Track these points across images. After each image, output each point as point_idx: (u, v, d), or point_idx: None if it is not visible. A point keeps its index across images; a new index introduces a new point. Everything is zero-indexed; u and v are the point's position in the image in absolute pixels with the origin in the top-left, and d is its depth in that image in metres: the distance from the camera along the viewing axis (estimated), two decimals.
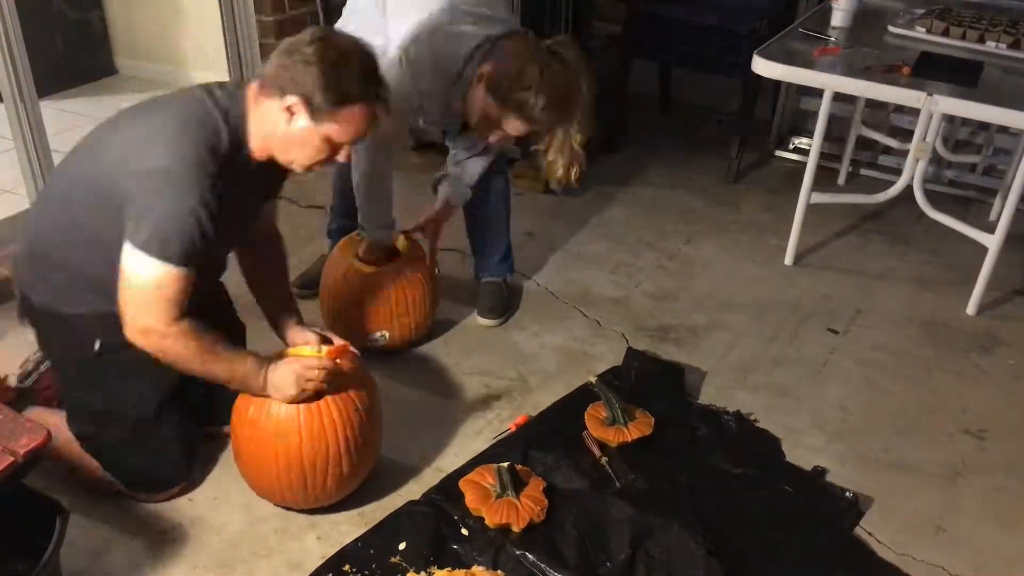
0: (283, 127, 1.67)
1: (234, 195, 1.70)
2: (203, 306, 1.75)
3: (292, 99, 1.63)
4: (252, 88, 1.70)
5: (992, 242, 2.66)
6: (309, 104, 1.63)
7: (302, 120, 1.65)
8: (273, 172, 1.81)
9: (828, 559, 1.87)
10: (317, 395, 1.80)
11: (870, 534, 1.95)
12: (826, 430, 2.26)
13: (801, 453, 2.17)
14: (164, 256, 1.60)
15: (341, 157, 1.74)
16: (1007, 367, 2.54)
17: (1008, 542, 1.95)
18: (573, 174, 2.19)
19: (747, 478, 2.07)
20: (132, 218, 1.61)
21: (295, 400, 1.78)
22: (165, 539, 1.86)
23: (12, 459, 1.44)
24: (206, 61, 3.97)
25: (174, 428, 1.92)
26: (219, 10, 3.27)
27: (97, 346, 1.82)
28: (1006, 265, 2.82)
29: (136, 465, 1.91)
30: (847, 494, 2.02)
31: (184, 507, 1.93)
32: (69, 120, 3.75)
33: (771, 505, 2.00)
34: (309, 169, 1.76)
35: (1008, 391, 2.44)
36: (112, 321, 1.70)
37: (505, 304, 2.66)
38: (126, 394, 1.86)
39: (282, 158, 1.73)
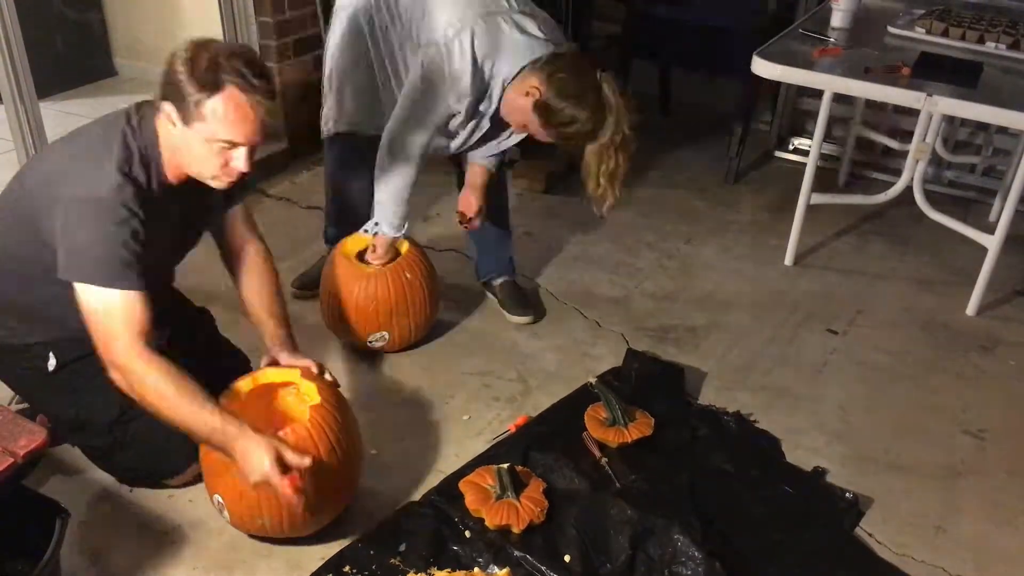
0: (172, 140, 1.64)
1: (158, 217, 1.67)
2: (192, 349, 1.78)
3: (167, 106, 1.59)
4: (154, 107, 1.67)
5: (992, 243, 2.66)
6: (180, 107, 1.57)
7: (179, 126, 1.60)
8: (204, 190, 1.74)
9: (828, 559, 1.87)
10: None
11: (870, 534, 1.95)
12: (826, 430, 2.26)
13: (801, 453, 2.17)
14: (102, 282, 1.59)
15: (239, 163, 1.63)
16: (1007, 368, 2.54)
17: (1008, 542, 1.95)
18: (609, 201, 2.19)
19: (747, 479, 2.07)
20: (61, 251, 1.61)
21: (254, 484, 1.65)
22: (165, 540, 1.86)
23: (12, 460, 1.45)
24: None
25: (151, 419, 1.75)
26: (219, 11, 3.27)
27: (52, 365, 1.82)
28: (1006, 266, 2.82)
29: (131, 463, 1.90)
30: (847, 494, 2.02)
31: (184, 508, 1.93)
32: (69, 121, 3.74)
33: (771, 505, 2.00)
34: (221, 182, 1.69)
35: (1008, 391, 2.44)
36: (63, 342, 1.74)
37: (530, 299, 2.68)
38: (91, 401, 1.83)
39: (191, 172, 1.69)
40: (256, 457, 1.59)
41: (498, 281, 2.66)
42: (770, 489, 2.04)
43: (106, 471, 1.92)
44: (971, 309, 2.76)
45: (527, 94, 2.11)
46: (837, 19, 2.91)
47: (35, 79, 2.62)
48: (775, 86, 3.72)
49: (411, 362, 2.45)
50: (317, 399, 1.81)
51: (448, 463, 2.08)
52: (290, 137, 3.48)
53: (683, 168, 3.68)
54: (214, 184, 1.70)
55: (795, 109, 3.82)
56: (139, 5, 4.12)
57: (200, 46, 1.57)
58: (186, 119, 1.58)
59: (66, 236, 1.60)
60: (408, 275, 2.37)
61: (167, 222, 1.74)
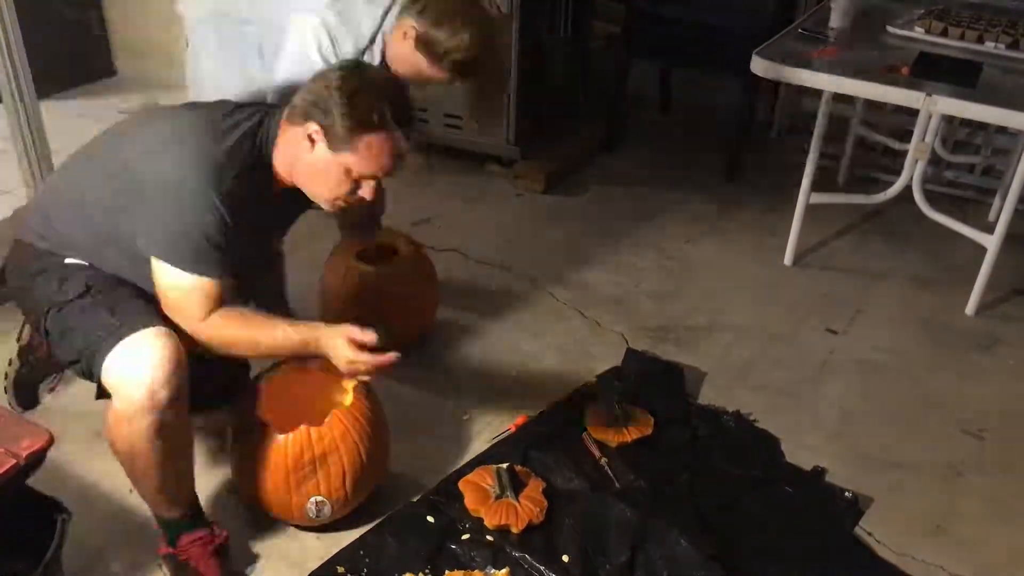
0: (304, 156, 1.67)
1: (254, 212, 1.69)
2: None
3: (313, 126, 1.63)
4: (285, 114, 1.70)
5: (991, 242, 2.66)
6: (327, 132, 1.62)
7: (321, 148, 1.64)
8: (300, 201, 1.80)
9: (828, 559, 1.88)
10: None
11: (870, 534, 1.95)
12: (826, 430, 2.26)
13: (801, 453, 2.17)
14: (181, 264, 1.60)
15: (365, 193, 1.70)
16: (1007, 367, 2.54)
17: (1008, 542, 1.96)
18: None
19: (747, 478, 2.07)
20: (147, 226, 1.61)
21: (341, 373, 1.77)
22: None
23: (14, 461, 1.44)
24: None
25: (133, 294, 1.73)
26: None
27: (82, 287, 1.69)
28: (1005, 265, 2.82)
29: (93, 320, 1.68)
30: (847, 494, 2.02)
31: None
32: (69, 120, 3.75)
33: (771, 505, 2.00)
34: (334, 205, 1.74)
35: (1008, 391, 2.45)
36: (99, 275, 1.70)
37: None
38: (99, 319, 1.67)
39: (307, 189, 1.73)
40: (339, 349, 1.70)
41: None
42: (770, 489, 2.04)
43: (85, 371, 1.71)
44: (971, 308, 2.76)
45: (404, 36, 2.01)
46: (836, 19, 2.91)
47: (35, 79, 2.61)
48: (775, 86, 3.72)
49: (411, 362, 2.44)
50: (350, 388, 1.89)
51: (447, 462, 2.09)
52: None
53: (683, 167, 3.68)
54: (324, 206, 1.76)
55: (795, 108, 3.82)
56: (139, 5, 4.11)
57: (362, 85, 1.63)
58: (332, 145, 1.63)
59: (155, 214, 1.61)
60: (408, 274, 2.38)
61: (264, 216, 1.78)
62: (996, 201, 3.28)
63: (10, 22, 2.50)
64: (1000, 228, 2.63)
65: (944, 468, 2.16)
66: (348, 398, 1.88)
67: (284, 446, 1.76)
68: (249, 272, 1.85)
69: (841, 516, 1.98)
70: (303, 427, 1.77)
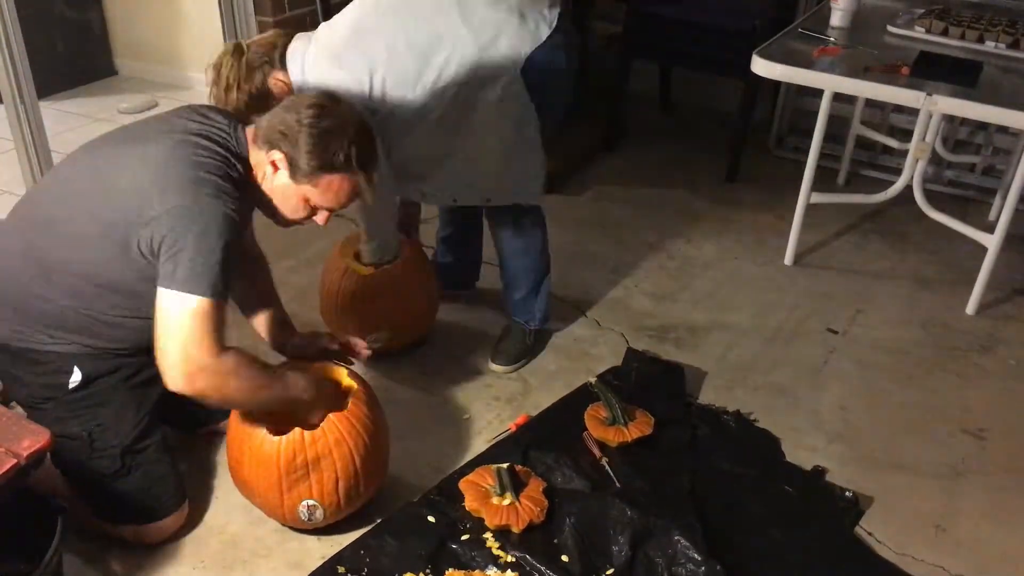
0: (268, 178, 1.72)
1: (244, 220, 1.74)
2: None
3: (277, 155, 1.68)
4: (250, 132, 1.74)
5: (992, 242, 2.66)
6: (292, 163, 1.67)
7: (283, 175, 1.70)
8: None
9: (828, 559, 1.87)
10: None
11: (870, 534, 1.95)
12: (826, 430, 2.26)
13: (801, 453, 2.17)
14: (201, 291, 1.56)
15: (319, 219, 1.78)
16: (1007, 367, 2.54)
17: (1008, 542, 1.96)
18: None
19: (747, 478, 2.07)
20: (166, 261, 1.58)
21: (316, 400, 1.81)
22: (165, 539, 1.86)
23: (15, 461, 1.44)
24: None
25: (159, 450, 1.85)
26: (219, 10, 3.28)
27: (76, 380, 1.76)
28: (1006, 265, 2.82)
29: (128, 493, 1.80)
30: (847, 494, 2.02)
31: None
32: (69, 121, 3.76)
33: (771, 505, 2.00)
34: (287, 224, 1.81)
35: (1008, 391, 2.45)
36: (88, 357, 1.73)
37: (520, 350, 2.46)
38: (108, 422, 1.79)
39: (264, 199, 1.76)
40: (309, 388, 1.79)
41: (511, 321, 2.53)
42: (770, 488, 2.04)
43: (91, 503, 1.82)
44: (971, 308, 2.76)
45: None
46: (837, 18, 2.90)
47: (35, 79, 2.62)
48: (775, 85, 3.72)
49: (411, 362, 2.45)
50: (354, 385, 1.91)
51: (447, 462, 2.09)
52: None
53: (683, 167, 3.68)
54: (277, 222, 1.82)
55: (795, 108, 3.82)
56: (139, 4, 4.12)
57: (332, 126, 1.66)
58: (294, 176, 1.69)
59: (169, 247, 1.58)
60: (408, 275, 2.37)
61: (247, 223, 1.84)
62: (996, 201, 3.28)
63: (11, 22, 2.50)
64: (1001, 228, 2.63)
65: (944, 468, 2.16)
66: (347, 401, 1.87)
67: (277, 448, 1.75)
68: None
69: (841, 516, 1.98)
70: (296, 430, 1.77)
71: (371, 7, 2.05)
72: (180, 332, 1.57)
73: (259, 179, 1.73)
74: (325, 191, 1.70)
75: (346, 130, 1.68)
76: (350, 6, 2.09)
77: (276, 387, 1.72)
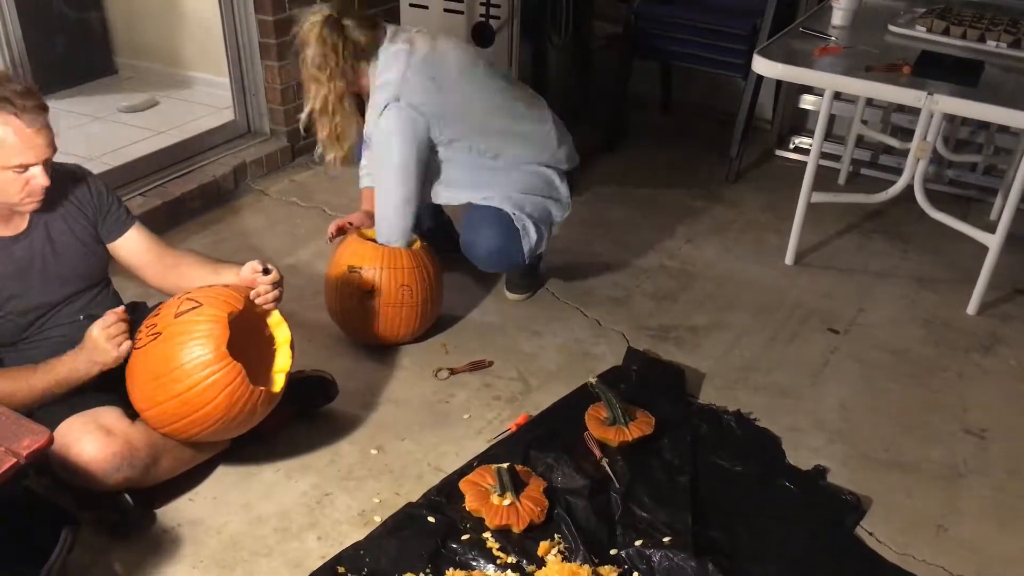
0: None
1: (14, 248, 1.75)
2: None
3: None
4: None
5: (993, 241, 2.65)
6: None
7: None
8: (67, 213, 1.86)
9: (828, 559, 1.87)
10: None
11: (870, 534, 1.95)
12: (826, 430, 2.26)
13: (801, 453, 2.17)
14: None
15: (38, 179, 1.71)
16: (1008, 367, 2.54)
17: (1009, 542, 1.95)
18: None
19: (747, 478, 2.06)
20: None
21: (119, 357, 1.78)
22: (165, 539, 1.86)
23: (15, 460, 1.44)
24: (206, 61, 3.97)
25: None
26: (219, 10, 3.27)
27: None
28: (1007, 264, 2.82)
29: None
30: (847, 494, 2.02)
31: (184, 507, 1.93)
32: (69, 120, 3.75)
33: (771, 505, 1.99)
34: (29, 205, 1.77)
35: (1009, 391, 2.44)
36: None
37: (529, 282, 2.75)
38: None
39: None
40: (99, 351, 1.76)
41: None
42: (771, 488, 2.04)
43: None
44: (972, 308, 2.76)
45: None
46: (838, 17, 2.91)
47: (35, 78, 2.62)
48: (776, 85, 3.72)
49: (411, 361, 2.45)
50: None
51: (448, 462, 2.08)
52: (289, 136, 3.48)
53: (683, 167, 3.67)
54: (23, 208, 1.78)
55: (796, 108, 3.82)
56: (140, 4, 4.12)
57: None
58: None
59: None
60: (409, 273, 2.38)
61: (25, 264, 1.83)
62: (998, 200, 3.27)
63: (11, 22, 2.50)
64: (1002, 227, 2.62)
65: (945, 468, 2.15)
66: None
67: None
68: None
69: (841, 516, 1.98)
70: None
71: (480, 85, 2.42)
72: None
73: None
74: (7, 147, 1.65)
75: None
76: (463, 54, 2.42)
77: (38, 380, 1.73)
